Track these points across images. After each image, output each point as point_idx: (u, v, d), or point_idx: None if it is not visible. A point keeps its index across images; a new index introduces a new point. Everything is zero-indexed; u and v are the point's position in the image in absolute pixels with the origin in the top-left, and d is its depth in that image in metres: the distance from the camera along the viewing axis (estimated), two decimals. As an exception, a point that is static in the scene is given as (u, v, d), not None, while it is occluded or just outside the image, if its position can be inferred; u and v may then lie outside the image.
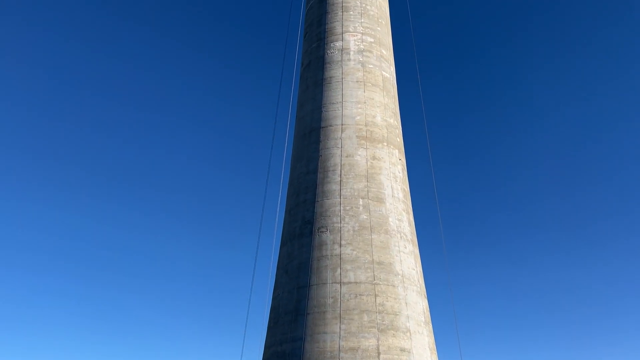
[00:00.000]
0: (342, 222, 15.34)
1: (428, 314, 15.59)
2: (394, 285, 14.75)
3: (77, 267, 52.38)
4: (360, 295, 14.32)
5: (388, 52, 19.04)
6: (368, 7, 19.00)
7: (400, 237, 15.75)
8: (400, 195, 16.58)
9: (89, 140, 57.64)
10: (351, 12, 18.74)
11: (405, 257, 15.56)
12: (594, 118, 56.63)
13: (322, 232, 15.34)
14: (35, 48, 57.78)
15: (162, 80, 61.53)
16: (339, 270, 14.67)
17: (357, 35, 18.39)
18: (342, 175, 16.01)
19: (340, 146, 16.50)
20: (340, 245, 15.02)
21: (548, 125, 57.37)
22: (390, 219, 15.76)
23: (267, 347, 15.16)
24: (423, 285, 16.07)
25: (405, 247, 15.77)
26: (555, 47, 58.81)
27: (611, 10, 56.21)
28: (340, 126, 16.82)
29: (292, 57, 19.41)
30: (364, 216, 15.46)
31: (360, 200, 15.67)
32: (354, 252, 14.91)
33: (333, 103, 17.22)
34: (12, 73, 55.44)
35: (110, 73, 59.91)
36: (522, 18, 61.16)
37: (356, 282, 14.53)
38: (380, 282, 14.63)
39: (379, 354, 13.65)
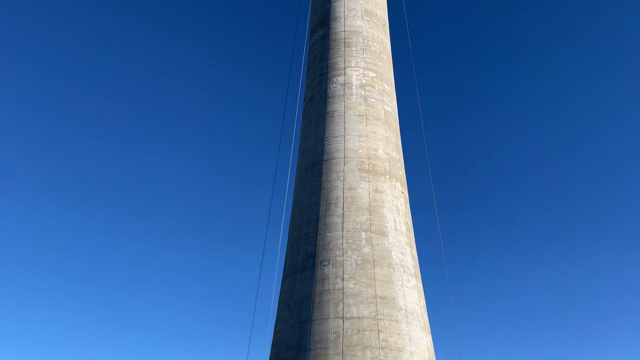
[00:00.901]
0: (345, 255, 15.20)
1: (432, 350, 15.25)
2: (397, 321, 14.49)
3: (76, 269, 52.17)
4: (363, 330, 14.06)
5: (390, 87, 19.29)
6: (370, 43, 19.37)
7: (404, 271, 15.57)
8: (403, 229, 16.48)
9: (94, 154, 57.69)
10: (353, 48, 19.08)
11: (408, 292, 15.33)
12: (591, 122, 56.91)
13: (325, 265, 15.19)
14: (35, 47, 58.36)
15: (165, 121, 62.05)
16: (341, 304, 14.45)
17: (359, 70, 18.68)
18: (345, 208, 15.97)
19: (342, 179, 16.52)
20: (343, 279, 14.83)
21: (545, 134, 57.43)
22: (393, 253, 15.61)
23: (268, 384, 14.79)
24: (427, 320, 15.78)
25: (409, 281, 15.56)
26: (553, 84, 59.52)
27: (607, 11, 56.95)
28: (343, 159, 16.88)
29: (295, 92, 19.69)
30: (366, 249, 15.33)
31: (363, 233, 15.57)
32: (357, 287, 14.71)
33: (335, 136, 17.34)
34: (9, 73, 55.95)
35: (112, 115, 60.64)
36: (524, 61, 62.14)
37: (359, 317, 14.29)
38: (384, 317, 14.38)
39: (382, 392, 13.28)
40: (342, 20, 19.65)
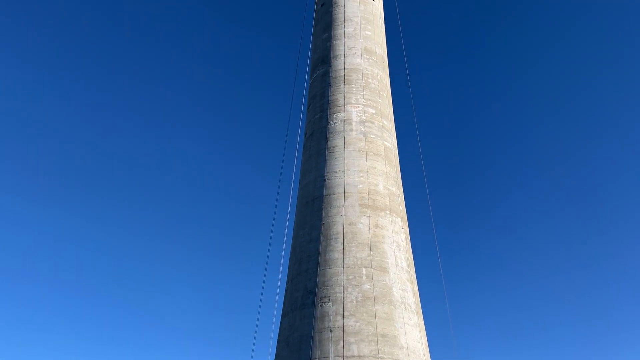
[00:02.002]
0: (345, 292, 14.98)
1: (435, 391, 14.83)
2: (398, 359, 14.15)
3: (78, 274, 51.43)
4: (364, 370, 13.69)
5: (389, 123, 19.48)
6: (369, 81, 19.68)
7: (405, 308, 15.31)
8: (404, 265, 16.31)
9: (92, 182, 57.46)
10: (353, 85, 19.38)
11: (410, 330, 15.03)
12: (589, 127, 57.12)
13: (325, 302, 14.94)
14: (36, 47, 58.77)
15: (164, 165, 62.34)
16: (341, 343, 14.13)
17: (359, 106, 18.91)
18: (345, 244, 15.84)
19: (342, 214, 16.46)
20: (343, 317, 14.56)
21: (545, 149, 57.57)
22: (394, 289, 15.39)
23: None
24: (429, 359, 15.41)
25: (410, 319, 15.28)
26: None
27: (606, 11, 57.86)
28: (343, 194, 16.87)
29: (295, 128, 19.87)
30: (367, 286, 15.12)
31: (364, 269, 15.39)
32: (357, 324, 14.43)
33: (335, 171, 17.38)
34: (7, 72, 56.21)
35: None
36: (522, 95, 63.14)
37: (360, 356, 13.94)
38: (385, 356, 14.04)
39: None
40: (342, 58, 20.03)
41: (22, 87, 57.71)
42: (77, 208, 56.44)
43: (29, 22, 58.62)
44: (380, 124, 18.87)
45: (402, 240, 16.82)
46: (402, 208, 17.81)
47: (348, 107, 18.81)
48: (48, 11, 60.58)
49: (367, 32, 20.84)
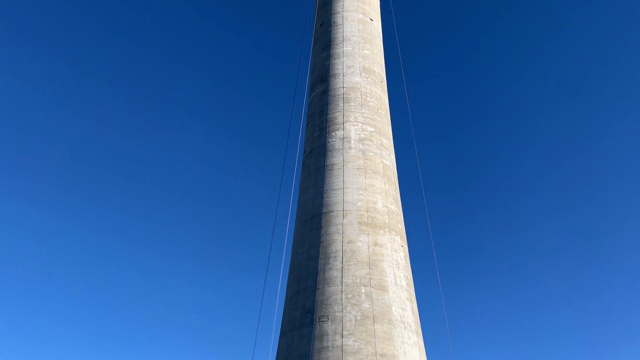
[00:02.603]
0: (344, 311, 14.84)
1: (436, 412, 14.61)
2: (398, 380, 13.95)
3: (79, 276, 51.07)
4: (363, 390, 13.50)
5: (388, 141, 19.54)
6: (368, 99, 19.79)
7: (404, 328, 15.16)
8: (403, 283, 16.20)
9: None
10: (352, 103, 19.48)
11: (409, 349, 14.86)
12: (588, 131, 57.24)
13: (323, 321, 14.80)
14: (35, 47, 58.78)
15: (162, 183, 62.40)
16: (340, 363, 13.95)
17: (357, 124, 18.98)
18: (344, 262, 15.75)
19: (341, 232, 16.40)
20: (342, 336, 14.41)
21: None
22: (393, 308, 15.26)
23: None
24: (429, 380, 15.21)
25: (410, 338, 15.12)
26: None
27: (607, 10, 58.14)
28: (342, 212, 16.83)
29: (294, 146, 19.91)
30: (366, 305, 14.99)
31: (363, 288, 15.28)
32: (356, 344, 14.27)
33: (334, 189, 17.37)
34: (9, 71, 56.20)
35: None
36: (524, 112, 63.56)
37: (359, 376, 13.75)
38: (385, 377, 13.84)
39: None
40: (341, 77, 20.18)
41: (22, 87, 57.97)
42: (78, 210, 56.53)
43: (28, 22, 59.05)
44: (379, 141, 18.93)
45: (401, 259, 16.74)
46: (401, 226, 17.76)
47: (347, 125, 18.89)
48: (48, 11, 61.08)
49: (365, 51, 21.04)
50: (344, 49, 20.90)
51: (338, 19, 21.78)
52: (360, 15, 21.99)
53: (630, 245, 51.92)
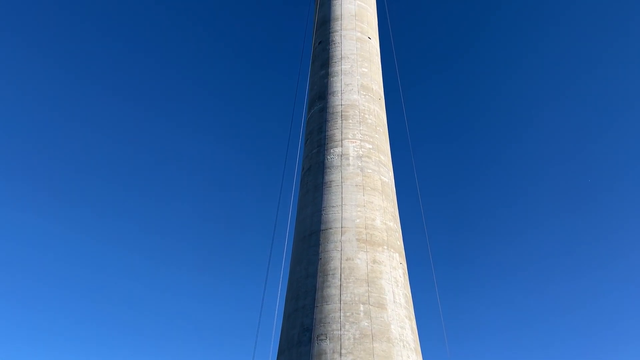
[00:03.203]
0: (343, 329, 14.71)
1: None
2: (398, 400, 13.77)
3: (80, 275, 50.81)
4: (362, 411, 13.31)
5: (386, 158, 19.59)
6: (366, 116, 19.90)
7: (403, 346, 15.02)
8: (402, 301, 16.09)
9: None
10: (350, 121, 19.58)
11: (409, 368, 14.70)
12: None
13: (322, 340, 14.65)
14: (35, 46, 58.63)
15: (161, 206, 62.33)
16: (339, 382, 13.78)
17: (356, 142, 19.05)
18: (342, 280, 15.66)
19: (340, 249, 16.34)
20: (341, 355, 14.26)
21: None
22: (392, 326, 15.13)
23: None
24: (429, 399, 15.02)
25: (409, 357, 14.96)
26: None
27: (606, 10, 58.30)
28: (340, 229, 16.79)
29: (292, 163, 19.94)
30: (365, 323, 14.86)
31: (361, 305, 15.17)
32: (355, 362, 14.11)
33: (333, 206, 17.35)
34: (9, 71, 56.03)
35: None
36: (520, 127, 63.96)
37: (358, 396, 13.58)
38: (384, 396, 13.67)
39: None
40: (340, 95, 20.31)
41: (21, 86, 58.10)
42: (77, 215, 56.48)
43: (29, 21, 59.35)
44: (377, 159, 18.97)
45: (400, 276, 16.66)
46: (399, 243, 17.71)
47: (345, 142, 18.95)
48: (48, 10, 61.45)
49: (363, 69, 21.21)
50: (342, 66, 21.08)
51: (336, 37, 22.01)
52: (359, 34, 22.23)
53: (626, 250, 52.01)
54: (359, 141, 19.05)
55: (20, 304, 49.65)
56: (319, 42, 22.71)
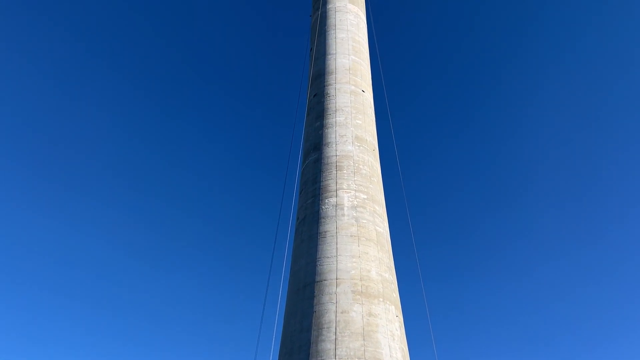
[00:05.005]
0: (338, 385, 14.18)
1: None
2: None
3: (81, 277, 48.93)
4: None
5: (381, 209, 19.57)
6: (361, 167, 20.04)
7: (401, 404, 14.44)
8: (399, 355, 15.62)
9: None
10: (345, 171, 19.69)
11: None
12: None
13: (316, 397, 14.08)
14: (36, 46, 58.46)
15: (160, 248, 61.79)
16: None
17: (350, 192, 19.08)
18: (337, 333, 15.25)
19: (335, 301, 16.01)
20: (336, 414, 13.67)
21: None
22: (389, 383, 14.60)
23: None
24: None
25: (407, 416, 14.36)
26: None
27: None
28: (335, 280, 16.52)
29: (287, 213, 19.85)
30: (361, 379, 14.34)
31: (357, 360, 14.69)
32: (351, 422, 13.52)
33: (328, 257, 17.15)
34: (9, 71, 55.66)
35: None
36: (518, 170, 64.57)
37: None
38: None
39: None
40: (334, 145, 20.53)
41: (22, 86, 58.21)
42: (79, 213, 55.69)
43: (28, 21, 60.04)
44: (372, 209, 18.95)
45: (396, 329, 16.25)
46: (395, 295, 17.39)
47: (340, 193, 18.98)
48: (49, 10, 62.30)
49: (357, 121, 21.56)
50: (337, 118, 21.42)
51: (331, 90, 22.49)
52: (353, 87, 22.74)
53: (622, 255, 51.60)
54: (353, 191, 19.09)
55: (20, 304, 49.24)
56: (314, 95, 23.18)
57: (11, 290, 50.83)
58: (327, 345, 15.04)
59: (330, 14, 25.56)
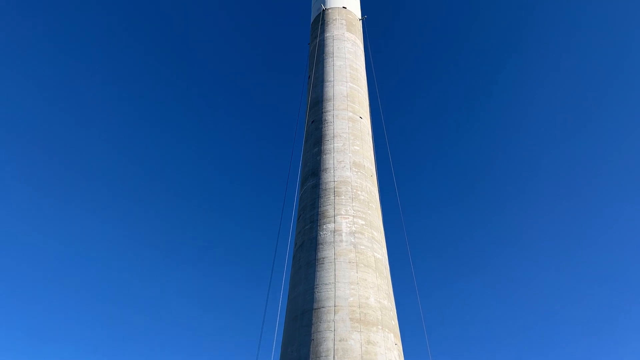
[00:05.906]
0: (336, 416, 13.86)
1: None
2: None
3: (81, 278, 48.25)
4: None
5: (379, 234, 19.49)
6: (358, 192, 20.04)
7: None
8: (398, 385, 15.33)
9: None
10: (343, 197, 19.68)
11: None
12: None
13: None
14: (35, 46, 58.39)
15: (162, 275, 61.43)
16: None
17: (348, 217, 19.03)
18: (336, 362, 14.98)
19: (333, 329, 15.79)
20: None
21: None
22: (388, 413, 14.29)
23: None
24: None
25: None
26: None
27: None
28: (333, 308, 16.33)
29: (285, 239, 19.77)
30: (359, 409, 14.04)
31: (355, 390, 14.41)
32: None
33: (326, 284, 16.99)
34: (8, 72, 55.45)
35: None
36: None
37: None
38: None
39: None
40: (332, 171, 20.57)
41: (22, 86, 58.24)
42: (79, 214, 55.17)
43: (28, 20, 60.40)
44: (370, 235, 18.87)
45: (395, 358, 15.99)
46: (394, 322, 17.18)
47: (338, 219, 18.93)
48: (49, 10, 62.72)
49: (355, 147, 21.66)
50: (335, 144, 21.53)
51: (329, 116, 22.67)
52: (350, 114, 22.93)
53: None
54: (351, 217, 19.04)
55: (21, 304, 48.65)
56: (312, 121, 23.35)
57: (12, 289, 50.69)
58: (325, 375, 14.76)
59: (329, 42, 25.97)
